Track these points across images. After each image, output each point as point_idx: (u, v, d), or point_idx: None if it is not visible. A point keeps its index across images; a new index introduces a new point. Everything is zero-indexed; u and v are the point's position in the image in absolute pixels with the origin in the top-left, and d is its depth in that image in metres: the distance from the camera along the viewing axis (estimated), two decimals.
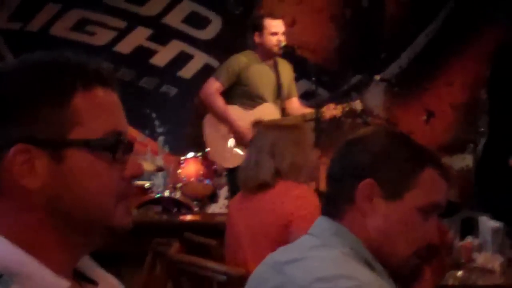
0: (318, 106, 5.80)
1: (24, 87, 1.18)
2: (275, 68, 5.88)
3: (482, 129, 8.56)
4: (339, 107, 5.84)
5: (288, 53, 6.04)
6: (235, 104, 5.76)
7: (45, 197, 1.17)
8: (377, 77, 7.05)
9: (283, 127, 3.53)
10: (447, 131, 8.46)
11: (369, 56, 8.62)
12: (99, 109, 1.21)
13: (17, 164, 1.15)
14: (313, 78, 6.02)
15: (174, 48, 8.52)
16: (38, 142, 1.16)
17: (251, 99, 5.79)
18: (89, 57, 1.27)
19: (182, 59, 8.53)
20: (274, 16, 5.93)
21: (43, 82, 1.18)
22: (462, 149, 8.22)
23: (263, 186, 3.39)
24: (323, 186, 3.45)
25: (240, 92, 5.76)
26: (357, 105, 5.89)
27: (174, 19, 8.53)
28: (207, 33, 8.57)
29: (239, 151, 5.70)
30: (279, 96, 5.89)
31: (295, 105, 6.02)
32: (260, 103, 5.79)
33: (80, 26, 8.32)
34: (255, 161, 3.42)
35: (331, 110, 5.79)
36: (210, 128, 5.84)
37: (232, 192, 5.86)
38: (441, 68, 8.74)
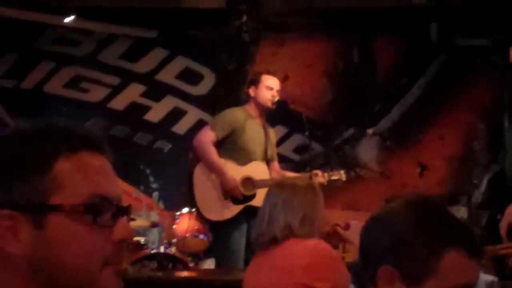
0: (310, 162, 5.80)
1: (6, 155, 1.20)
2: (265, 128, 5.90)
3: (476, 181, 8.60)
4: (326, 175, 5.85)
5: (281, 107, 6.07)
6: (226, 157, 5.72)
7: (28, 262, 1.17)
8: (370, 131, 7.09)
9: (297, 186, 3.53)
10: (441, 184, 8.47)
11: (362, 109, 8.68)
12: (82, 174, 1.21)
13: (0, 230, 1.16)
14: (306, 133, 6.03)
15: (168, 104, 8.58)
16: (21, 208, 1.16)
17: (243, 155, 5.74)
18: (79, 122, 1.28)
19: (176, 114, 8.58)
20: (271, 73, 6.00)
21: (25, 149, 1.19)
22: (456, 201, 8.24)
23: (274, 241, 3.36)
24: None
25: (232, 146, 5.72)
26: (342, 175, 5.91)
27: (167, 75, 8.60)
28: (201, 89, 8.64)
29: (227, 203, 5.64)
30: (266, 156, 5.90)
31: (276, 169, 6.03)
32: (251, 160, 5.78)
33: (74, 83, 8.38)
34: (269, 217, 3.40)
35: (319, 178, 5.79)
36: (200, 179, 5.78)
37: (218, 246, 5.83)
38: (432, 122, 8.80)
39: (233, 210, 5.63)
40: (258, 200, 5.60)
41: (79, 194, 1.20)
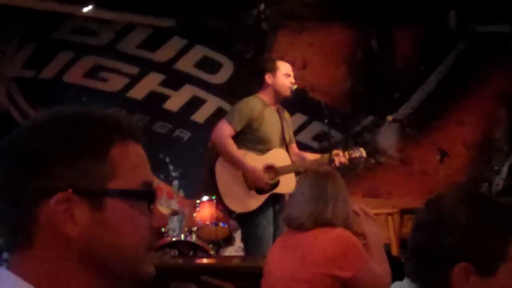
0: (329, 149, 5.74)
1: (66, 139, 1.22)
2: (279, 114, 5.82)
3: (496, 167, 8.57)
4: (346, 154, 5.78)
5: (300, 95, 6.00)
6: (245, 148, 5.66)
7: (82, 245, 1.20)
8: (389, 118, 7.03)
9: (328, 174, 3.52)
10: (461, 170, 8.46)
11: (381, 97, 8.67)
12: (133, 162, 1.26)
13: (58, 212, 1.18)
14: (326, 120, 5.94)
15: (186, 93, 8.60)
16: (79, 191, 1.19)
17: (262, 144, 5.67)
18: (118, 111, 1.31)
19: (195, 103, 8.60)
20: (290, 61, 5.89)
21: (85, 135, 1.23)
22: (477, 188, 8.20)
23: (300, 228, 3.35)
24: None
25: (250, 136, 5.63)
26: (362, 152, 5.84)
27: (186, 64, 8.61)
28: (219, 77, 8.65)
29: (252, 194, 5.60)
30: (284, 142, 5.84)
31: (295, 151, 5.97)
32: (269, 148, 5.72)
33: (93, 72, 8.41)
34: (301, 205, 3.40)
35: (340, 157, 5.72)
36: (222, 171, 5.73)
37: (247, 236, 5.79)
38: (452, 108, 8.77)
39: (259, 200, 5.60)
40: (282, 187, 5.59)
41: (134, 180, 1.24)
